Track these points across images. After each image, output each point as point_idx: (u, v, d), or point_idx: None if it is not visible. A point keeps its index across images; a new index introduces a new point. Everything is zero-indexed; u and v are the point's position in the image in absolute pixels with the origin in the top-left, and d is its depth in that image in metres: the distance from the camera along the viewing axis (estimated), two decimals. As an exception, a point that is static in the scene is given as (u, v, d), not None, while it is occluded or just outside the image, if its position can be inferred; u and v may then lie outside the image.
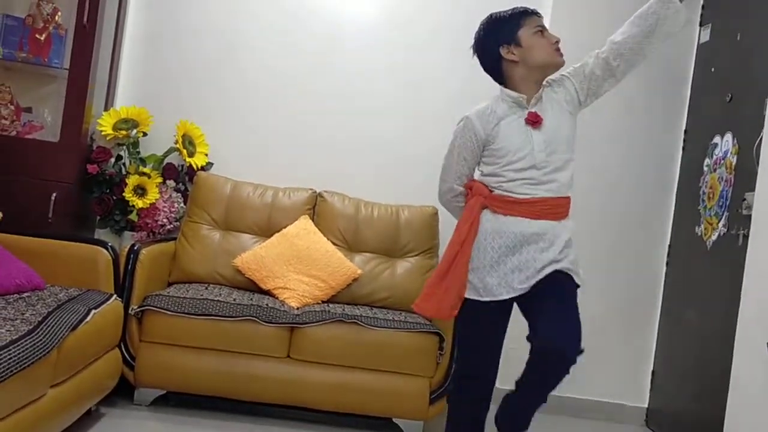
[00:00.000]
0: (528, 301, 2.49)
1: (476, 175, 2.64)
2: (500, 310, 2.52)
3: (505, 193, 2.49)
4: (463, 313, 2.54)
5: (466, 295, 2.51)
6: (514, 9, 2.56)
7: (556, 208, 2.49)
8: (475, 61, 4.13)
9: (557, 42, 2.51)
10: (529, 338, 2.42)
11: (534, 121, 2.48)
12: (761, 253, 2.87)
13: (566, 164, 2.51)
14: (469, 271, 2.50)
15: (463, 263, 2.51)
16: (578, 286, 2.50)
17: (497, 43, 2.54)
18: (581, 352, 2.33)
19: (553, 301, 2.43)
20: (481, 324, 2.56)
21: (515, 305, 2.54)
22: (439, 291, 2.54)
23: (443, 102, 4.19)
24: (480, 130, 2.53)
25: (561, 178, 2.49)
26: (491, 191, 2.52)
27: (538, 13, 2.56)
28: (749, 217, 3.12)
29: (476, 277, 2.50)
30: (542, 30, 2.52)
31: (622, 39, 2.48)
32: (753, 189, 3.03)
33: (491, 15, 2.60)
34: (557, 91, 2.56)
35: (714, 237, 3.55)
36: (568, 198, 2.54)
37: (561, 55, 2.51)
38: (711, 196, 3.64)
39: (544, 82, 2.55)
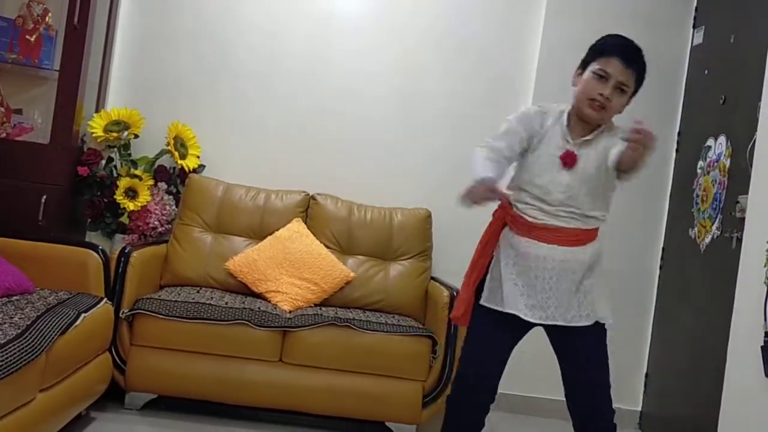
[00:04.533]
0: (560, 350, 2.48)
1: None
2: (513, 324, 2.44)
3: (521, 214, 2.41)
4: (475, 318, 2.50)
5: (482, 302, 2.46)
6: (614, 44, 2.35)
7: (571, 236, 2.39)
8: (467, 65, 4.17)
9: (600, 95, 2.30)
10: (567, 400, 2.47)
11: (566, 161, 2.36)
12: (754, 255, 2.86)
13: (585, 219, 2.39)
14: (489, 279, 2.47)
15: (476, 277, 2.48)
16: (605, 330, 2.47)
17: (580, 64, 2.42)
18: (614, 413, 2.44)
19: (585, 367, 2.44)
20: (489, 330, 2.48)
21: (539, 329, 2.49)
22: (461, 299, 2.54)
23: (436, 104, 4.19)
24: (537, 124, 2.39)
25: (577, 221, 2.39)
26: (512, 206, 2.43)
27: (626, 62, 2.30)
28: (743, 219, 3.12)
29: (493, 285, 2.45)
30: (603, 76, 2.30)
31: None
32: (746, 192, 3.03)
33: (606, 35, 2.41)
34: (614, 141, 2.36)
35: (707, 240, 3.54)
36: (591, 229, 2.42)
37: (592, 108, 2.32)
38: (704, 198, 3.63)
39: (602, 126, 2.38)
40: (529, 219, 2.40)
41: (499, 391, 2.54)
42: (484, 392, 2.50)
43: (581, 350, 2.46)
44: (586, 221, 2.40)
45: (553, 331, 2.45)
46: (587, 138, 2.38)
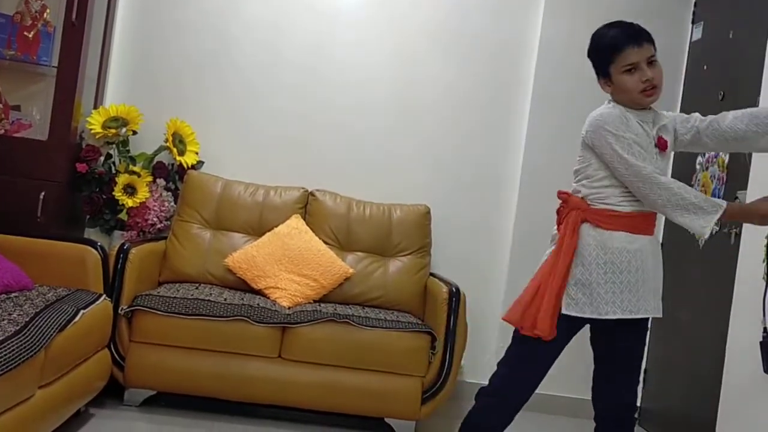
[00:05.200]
0: (605, 343, 2.46)
1: (579, 188, 2.43)
2: (579, 326, 2.40)
3: (612, 207, 2.34)
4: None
5: (565, 311, 2.33)
6: (611, 37, 2.35)
7: (652, 222, 2.40)
8: (467, 61, 4.17)
9: (647, 81, 2.31)
10: (594, 394, 2.50)
11: (663, 146, 2.37)
12: (753, 251, 2.87)
13: None
14: (571, 285, 2.34)
15: (559, 281, 2.33)
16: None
17: (596, 72, 2.41)
18: (637, 408, 2.48)
19: (628, 359, 2.46)
20: (561, 341, 2.37)
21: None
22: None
23: (435, 101, 4.18)
24: (628, 124, 2.34)
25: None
26: (589, 205, 2.36)
27: (636, 42, 2.31)
28: (742, 215, 3.11)
29: (577, 291, 2.34)
30: (632, 68, 2.31)
31: (726, 127, 2.36)
32: (745, 187, 3.03)
33: (594, 36, 2.41)
34: (667, 118, 2.43)
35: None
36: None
37: (649, 95, 2.34)
38: (703, 193, 3.63)
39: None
40: (621, 210, 2.33)
41: None
42: (515, 413, 2.44)
43: (630, 342, 2.44)
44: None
45: (604, 324, 2.37)
46: (665, 123, 2.41)
